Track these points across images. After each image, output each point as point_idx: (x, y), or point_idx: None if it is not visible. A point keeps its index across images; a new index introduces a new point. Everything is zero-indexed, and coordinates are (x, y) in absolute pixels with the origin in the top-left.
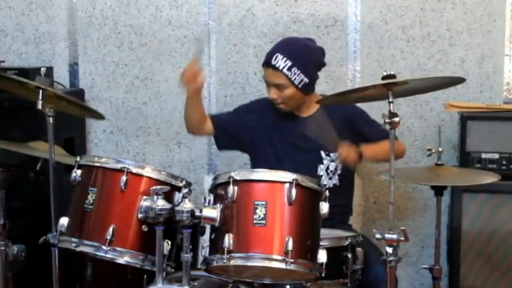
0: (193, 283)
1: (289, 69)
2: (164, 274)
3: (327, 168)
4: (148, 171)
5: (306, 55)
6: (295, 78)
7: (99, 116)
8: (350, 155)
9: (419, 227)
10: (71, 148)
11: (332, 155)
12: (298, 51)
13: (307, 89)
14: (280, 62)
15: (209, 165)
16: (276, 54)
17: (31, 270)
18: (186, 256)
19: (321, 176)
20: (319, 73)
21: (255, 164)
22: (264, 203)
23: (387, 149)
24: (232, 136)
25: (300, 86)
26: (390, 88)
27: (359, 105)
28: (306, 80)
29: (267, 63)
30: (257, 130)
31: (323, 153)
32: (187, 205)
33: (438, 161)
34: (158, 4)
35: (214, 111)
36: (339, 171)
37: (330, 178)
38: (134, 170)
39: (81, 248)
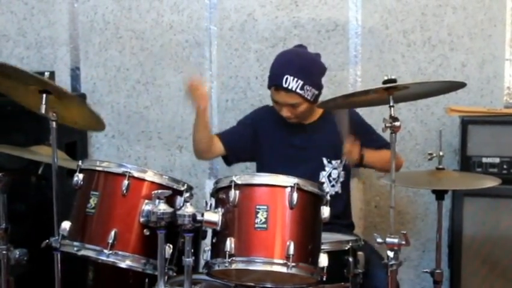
0: (195, 287)
1: (301, 88)
2: (166, 278)
3: (329, 175)
4: (149, 176)
5: (313, 68)
6: (308, 95)
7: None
8: (352, 153)
9: (420, 231)
10: (72, 152)
11: (333, 162)
12: (305, 67)
13: (318, 98)
14: (292, 83)
15: (210, 170)
16: (286, 76)
17: (33, 274)
18: (188, 260)
19: (323, 183)
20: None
21: (260, 170)
22: (265, 207)
23: (387, 159)
24: (244, 150)
25: (312, 99)
26: (391, 92)
27: (360, 111)
28: (316, 92)
29: (278, 86)
30: (262, 138)
31: (325, 160)
32: (188, 209)
33: (439, 165)
34: (160, 9)
35: (215, 115)
36: (341, 179)
37: (333, 185)
38: (136, 174)
39: (83, 252)
